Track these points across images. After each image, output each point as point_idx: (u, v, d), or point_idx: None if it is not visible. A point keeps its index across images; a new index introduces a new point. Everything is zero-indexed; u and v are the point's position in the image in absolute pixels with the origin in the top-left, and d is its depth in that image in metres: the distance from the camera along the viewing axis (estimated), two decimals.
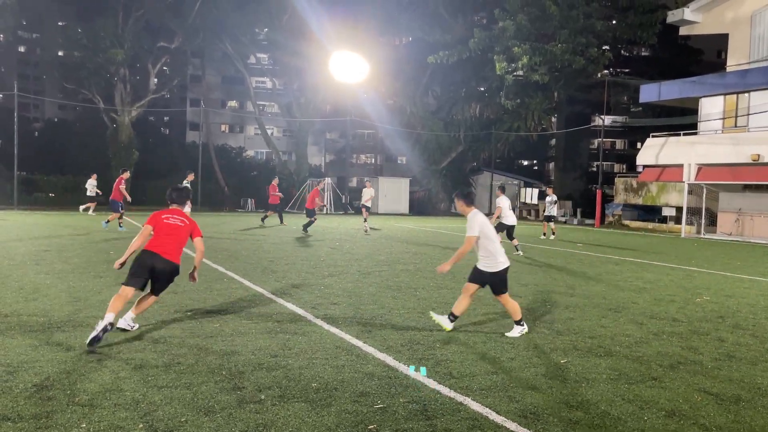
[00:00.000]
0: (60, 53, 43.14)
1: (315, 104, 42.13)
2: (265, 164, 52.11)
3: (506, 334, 6.54)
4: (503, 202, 15.19)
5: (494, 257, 6.39)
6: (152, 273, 5.99)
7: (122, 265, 6.11)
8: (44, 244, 13.95)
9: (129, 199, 19.22)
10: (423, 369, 5.24)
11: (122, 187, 18.00)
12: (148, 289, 6.16)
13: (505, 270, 6.48)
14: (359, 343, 6.03)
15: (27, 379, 4.64)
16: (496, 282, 6.46)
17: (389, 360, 5.50)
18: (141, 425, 3.89)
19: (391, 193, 39.15)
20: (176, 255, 6.12)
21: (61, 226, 19.60)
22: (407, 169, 51.09)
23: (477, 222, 6.37)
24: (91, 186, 25.05)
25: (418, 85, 41.50)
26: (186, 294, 8.31)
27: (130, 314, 6.20)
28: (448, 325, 6.59)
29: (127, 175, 18.76)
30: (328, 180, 38.21)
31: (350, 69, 33.50)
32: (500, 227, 15.06)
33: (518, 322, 6.58)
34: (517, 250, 15.13)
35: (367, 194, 23.51)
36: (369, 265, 11.97)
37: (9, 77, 40.75)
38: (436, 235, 21.47)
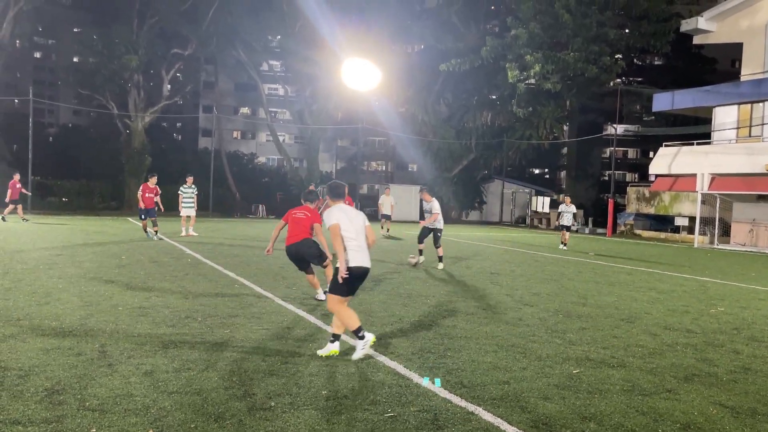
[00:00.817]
0: (75, 59, 43.61)
1: (327, 111, 42.27)
2: (276, 171, 52.31)
3: (354, 357, 5.67)
4: (437, 206, 13.31)
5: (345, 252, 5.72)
6: (299, 256, 8.19)
7: (269, 252, 8.43)
8: (57, 248, 14.04)
9: (150, 207, 17.48)
10: (437, 380, 5.19)
11: (148, 194, 17.24)
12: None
13: (353, 270, 5.68)
14: (370, 351, 5.99)
15: (38, 384, 4.65)
16: (336, 276, 5.74)
17: (400, 368, 5.46)
18: (151, 431, 3.88)
19: (402, 200, 39.10)
20: (305, 235, 8.11)
21: (75, 231, 19.73)
22: (418, 177, 51.09)
23: (333, 215, 5.75)
24: None
25: (430, 93, 41.55)
26: (197, 300, 8.33)
27: (317, 290, 8.63)
28: (334, 348, 5.85)
29: (153, 180, 17.53)
30: None
31: (362, 76, 33.47)
32: (428, 231, 13.32)
33: (335, 338, 5.80)
34: (441, 261, 13.20)
35: (387, 202, 22.68)
36: (379, 273, 11.94)
37: (24, 83, 41.27)
38: (447, 242, 21.41)
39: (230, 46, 40.21)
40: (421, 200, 15.06)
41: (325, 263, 8.33)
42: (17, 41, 39.06)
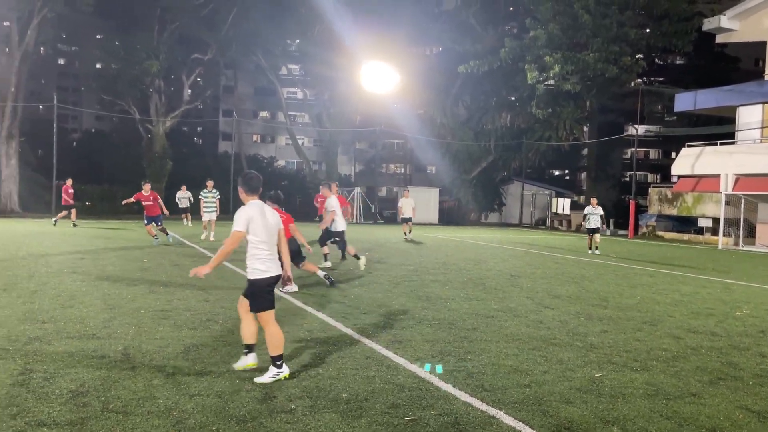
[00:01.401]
0: (98, 65, 44.30)
1: (345, 114, 42.42)
2: (295, 174, 52.60)
3: (255, 379, 5.01)
4: (335, 204, 12.38)
5: (253, 261, 5.14)
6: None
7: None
8: (80, 252, 14.25)
9: (155, 214, 16.97)
10: (439, 367, 5.20)
11: (146, 203, 16.79)
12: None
13: (264, 281, 5.12)
14: (390, 354, 5.99)
15: (63, 386, 4.71)
16: (250, 292, 5.18)
17: (420, 371, 5.45)
18: None
19: (420, 203, 39.06)
20: (288, 235, 8.50)
21: (98, 234, 20.00)
22: (437, 179, 50.97)
23: (244, 215, 5.06)
24: (183, 197, 25.04)
25: (448, 95, 41.47)
26: (218, 302, 8.39)
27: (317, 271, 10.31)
28: (251, 361, 5.29)
29: (147, 187, 17.03)
30: (357, 189, 38.34)
31: (380, 79, 33.65)
32: (329, 235, 12.46)
33: (276, 361, 5.06)
34: (343, 258, 12.47)
35: (408, 205, 21.64)
36: (398, 276, 11.94)
37: (49, 89, 42.00)
38: (466, 245, 21.34)
39: (249, 51, 40.57)
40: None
41: (301, 265, 9.81)
42: (41, 48, 39.73)
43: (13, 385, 4.69)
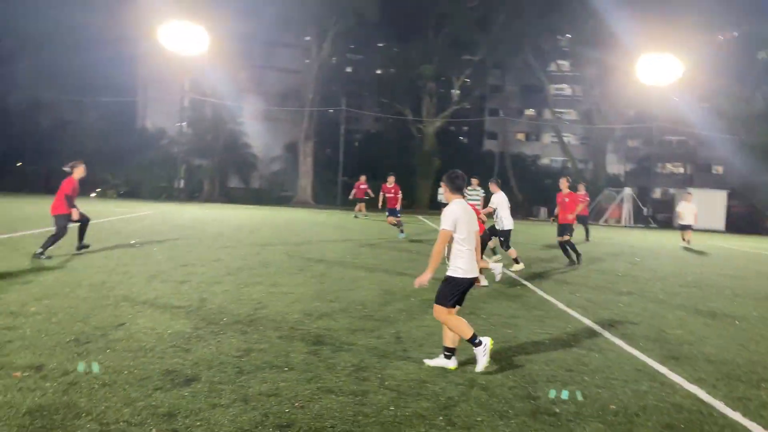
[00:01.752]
0: (378, 71, 48.42)
1: (617, 110, 40.03)
2: (559, 172, 51.20)
3: (476, 369, 5.13)
4: (496, 201, 11.63)
5: (456, 259, 5.16)
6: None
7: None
8: (359, 242, 15.78)
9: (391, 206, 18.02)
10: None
11: (388, 195, 17.96)
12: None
13: (464, 280, 5.14)
14: (664, 370, 5.51)
15: (346, 359, 5.28)
16: (444, 286, 5.22)
17: (701, 393, 4.91)
18: (441, 417, 4.12)
19: (703, 207, 34.98)
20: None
21: (374, 226, 21.94)
22: (724, 180, 45.21)
23: (451, 214, 5.12)
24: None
25: (744, 84, 36.41)
26: (479, 299, 8.58)
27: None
28: (450, 364, 5.22)
29: (390, 180, 18.04)
30: (627, 190, 35.90)
31: (660, 71, 30.89)
32: (493, 231, 11.60)
33: (447, 352, 5.23)
34: (518, 262, 11.46)
35: (689, 210, 19.79)
36: (674, 286, 10.88)
37: (337, 95, 47.19)
38: (761, 257, 18.55)
39: (518, 50, 40.62)
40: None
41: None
42: (333, 59, 44.81)
43: (308, 353, 5.41)
